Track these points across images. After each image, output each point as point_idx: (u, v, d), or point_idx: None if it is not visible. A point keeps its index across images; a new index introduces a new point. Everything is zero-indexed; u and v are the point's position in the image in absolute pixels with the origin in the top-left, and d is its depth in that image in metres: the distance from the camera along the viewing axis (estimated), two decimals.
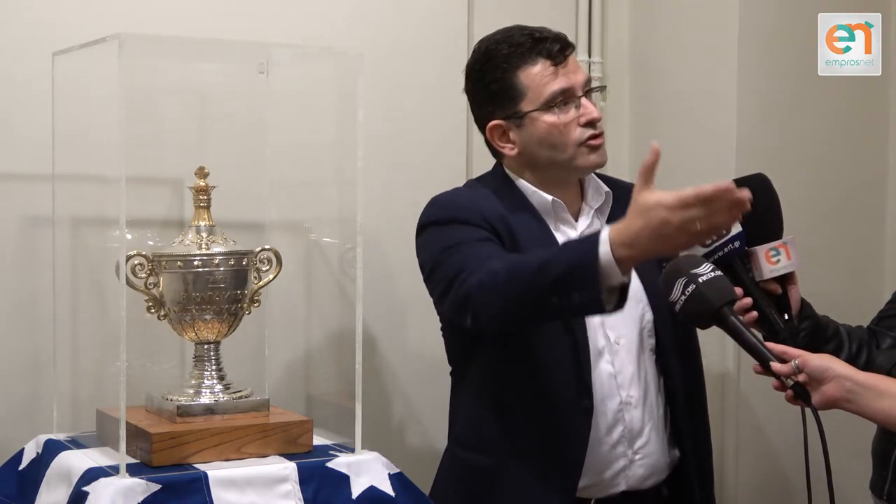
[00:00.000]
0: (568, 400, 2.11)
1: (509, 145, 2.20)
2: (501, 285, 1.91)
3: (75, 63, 2.15)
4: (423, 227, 2.18)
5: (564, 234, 2.21)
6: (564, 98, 2.14)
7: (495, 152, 2.26)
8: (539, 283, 1.87)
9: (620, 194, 2.24)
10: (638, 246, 1.77)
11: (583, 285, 1.80)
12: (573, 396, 2.11)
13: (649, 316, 2.20)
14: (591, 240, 1.81)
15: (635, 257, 1.79)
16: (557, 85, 2.14)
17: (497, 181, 2.24)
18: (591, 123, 2.15)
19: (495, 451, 2.15)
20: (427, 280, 2.15)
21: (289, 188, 2.47)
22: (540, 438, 2.12)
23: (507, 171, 2.25)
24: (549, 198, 2.20)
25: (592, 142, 2.16)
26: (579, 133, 2.15)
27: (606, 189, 2.24)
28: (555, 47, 2.15)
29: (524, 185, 2.22)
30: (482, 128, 2.23)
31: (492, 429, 2.16)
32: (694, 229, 1.73)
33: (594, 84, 2.28)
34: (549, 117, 2.15)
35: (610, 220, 2.21)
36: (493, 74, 2.18)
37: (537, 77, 2.14)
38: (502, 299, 1.92)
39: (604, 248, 1.78)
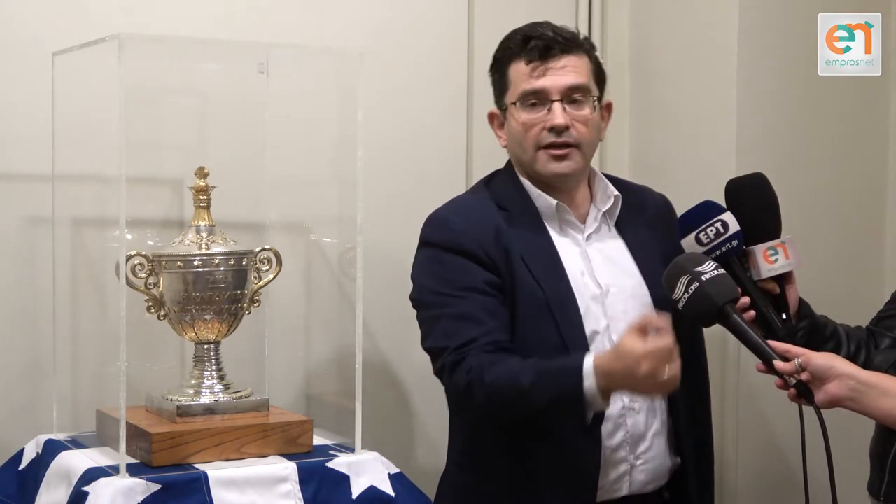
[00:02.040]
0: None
1: (502, 135, 2.24)
2: (485, 397, 2.02)
3: (75, 63, 2.16)
4: (421, 244, 2.19)
5: (571, 237, 2.21)
6: (537, 99, 2.15)
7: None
8: (525, 406, 2.02)
9: (630, 197, 2.25)
10: (616, 385, 1.97)
11: (570, 413, 2.00)
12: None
13: None
14: (575, 371, 1.96)
15: (616, 391, 2.00)
16: (531, 85, 2.15)
17: (505, 182, 2.24)
18: (553, 129, 2.14)
19: (500, 474, 2.14)
20: (414, 306, 2.18)
21: (289, 188, 2.47)
22: (549, 459, 2.11)
23: (515, 170, 2.24)
24: (554, 202, 2.19)
25: (553, 150, 2.15)
26: (542, 136, 2.15)
27: (616, 193, 2.23)
28: (539, 45, 2.15)
29: (529, 186, 2.21)
30: None
31: (495, 452, 2.15)
32: (661, 380, 1.90)
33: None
34: (520, 115, 2.16)
35: (619, 224, 2.23)
36: (496, 66, 2.23)
37: (520, 73, 2.17)
38: (485, 406, 2.05)
39: (588, 382, 1.95)
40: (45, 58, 2.21)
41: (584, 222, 2.22)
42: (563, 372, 1.99)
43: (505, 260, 2.14)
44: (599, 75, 2.23)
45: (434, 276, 2.14)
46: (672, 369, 1.89)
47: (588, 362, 1.95)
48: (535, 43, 2.15)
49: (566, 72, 2.15)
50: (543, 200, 2.19)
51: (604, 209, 2.22)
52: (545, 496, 2.10)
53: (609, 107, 2.27)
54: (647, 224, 2.24)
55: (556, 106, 2.14)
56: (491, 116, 2.25)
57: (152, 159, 2.35)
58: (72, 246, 2.31)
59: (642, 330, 1.91)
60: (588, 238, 2.21)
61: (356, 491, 2.06)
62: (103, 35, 1.99)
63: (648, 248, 2.18)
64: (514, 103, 2.16)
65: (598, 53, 2.26)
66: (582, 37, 2.23)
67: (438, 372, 2.10)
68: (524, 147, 2.17)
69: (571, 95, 2.15)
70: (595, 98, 2.18)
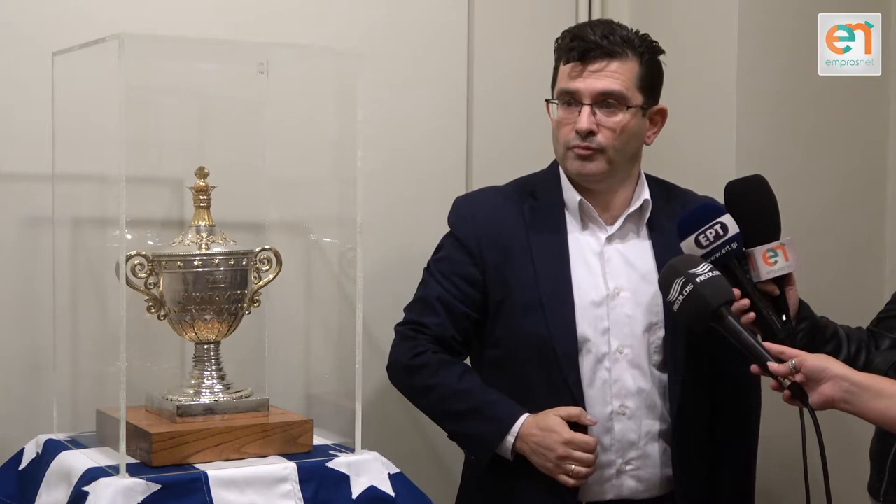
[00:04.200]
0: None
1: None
2: (420, 390, 2.27)
3: (75, 63, 2.15)
4: None
5: (592, 235, 2.23)
6: (570, 99, 2.18)
7: None
8: (445, 424, 2.26)
9: (668, 201, 2.27)
10: (527, 451, 2.13)
11: (478, 454, 2.21)
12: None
13: (661, 332, 2.20)
14: (506, 427, 2.14)
15: (525, 456, 2.14)
16: (568, 85, 2.19)
17: (544, 175, 2.31)
18: (578, 132, 2.17)
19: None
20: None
21: (289, 188, 2.47)
22: None
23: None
24: (577, 198, 2.22)
25: (578, 150, 2.18)
26: (570, 137, 2.18)
27: (646, 196, 2.24)
28: (579, 47, 2.18)
29: (564, 178, 2.26)
30: None
31: None
32: (566, 469, 2.10)
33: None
34: (557, 111, 2.22)
35: (652, 227, 2.24)
36: (554, 58, 2.27)
37: (563, 72, 2.22)
38: (415, 396, 2.30)
39: (510, 440, 2.14)
40: (45, 58, 2.20)
41: (614, 223, 2.23)
42: (494, 419, 2.16)
43: (502, 256, 2.21)
44: (650, 81, 2.22)
45: (435, 253, 2.33)
46: (580, 469, 2.08)
47: (519, 423, 2.13)
48: (576, 44, 2.18)
49: (602, 77, 2.17)
50: (570, 195, 2.24)
51: (629, 211, 2.23)
52: (538, 484, 2.15)
53: (661, 112, 2.27)
54: None
55: (585, 110, 2.16)
56: (547, 103, 2.28)
57: (152, 159, 2.35)
58: (72, 246, 2.31)
59: (571, 419, 2.10)
60: (610, 239, 2.22)
61: (356, 491, 2.06)
62: (103, 35, 1.99)
63: (675, 253, 2.16)
64: (553, 100, 2.23)
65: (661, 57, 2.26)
66: (641, 41, 2.21)
67: (396, 328, 2.32)
68: (556, 143, 2.24)
69: (605, 100, 2.16)
70: (636, 106, 2.18)
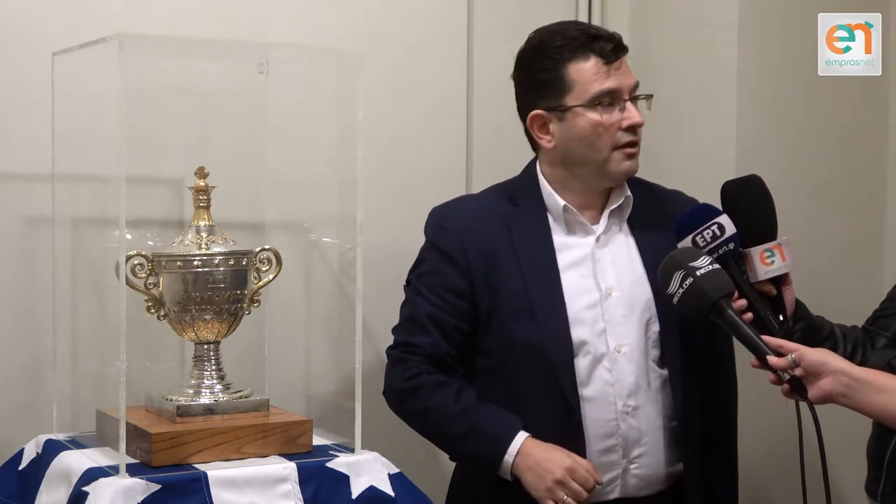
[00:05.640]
0: (556, 420, 2.14)
1: (547, 137, 2.19)
2: (416, 414, 2.23)
3: (75, 63, 2.15)
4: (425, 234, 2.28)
5: (580, 238, 2.22)
6: (610, 98, 2.13)
7: (534, 144, 2.26)
8: (445, 446, 2.26)
9: (643, 198, 2.25)
10: (523, 469, 2.09)
11: (479, 475, 2.18)
12: (561, 418, 2.13)
13: (656, 327, 2.19)
14: (503, 445, 2.10)
15: (519, 474, 2.10)
16: (606, 84, 2.13)
17: (521, 182, 2.27)
18: (632, 128, 2.14)
19: None
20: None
21: (289, 188, 2.47)
22: None
23: (537, 168, 2.25)
24: (562, 203, 2.20)
25: (629, 149, 2.16)
26: (619, 136, 2.14)
27: (627, 193, 2.23)
28: (608, 46, 2.14)
29: (544, 184, 2.22)
30: (523, 117, 2.23)
31: None
32: (557, 496, 2.06)
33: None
34: (592, 115, 2.13)
35: (632, 225, 2.23)
36: (544, 64, 2.16)
37: (587, 73, 2.13)
38: (411, 421, 2.26)
39: (508, 458, 2.10)
40: (45, 58, 2.21)
41: (597, 222, 2.22)
42: (492, 438, 2.12)
43: (488, 264, 2.18)
44: None
45: (416, 268, 2.27)
46: (570, 501, 2.05)
47: (517, 442, 2.09)
48: (604, 44, 2.13)
49: (627, 71, 2.16)
50: (552, 200, 2.21)
51: (612, 207, 2.23)
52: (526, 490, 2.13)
53: None
54: (664, 226, 2.20)
55: (630, 105, 2.14)
56: (533, 119, 2.19)
57: (152, 159, 2.35)
58: (72, 246, 2.31)
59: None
60: (598, 240, 2.21)
61: (356, 491, 2.06)
62: (103, 35, 1.99)
63: (661, 250, 2.13)
64: (581, 105, 2.13)
65: None
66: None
67: (387, 352, 2.27)
68: (597, 147, 2.15)
69: (633, 94, 2.16)
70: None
